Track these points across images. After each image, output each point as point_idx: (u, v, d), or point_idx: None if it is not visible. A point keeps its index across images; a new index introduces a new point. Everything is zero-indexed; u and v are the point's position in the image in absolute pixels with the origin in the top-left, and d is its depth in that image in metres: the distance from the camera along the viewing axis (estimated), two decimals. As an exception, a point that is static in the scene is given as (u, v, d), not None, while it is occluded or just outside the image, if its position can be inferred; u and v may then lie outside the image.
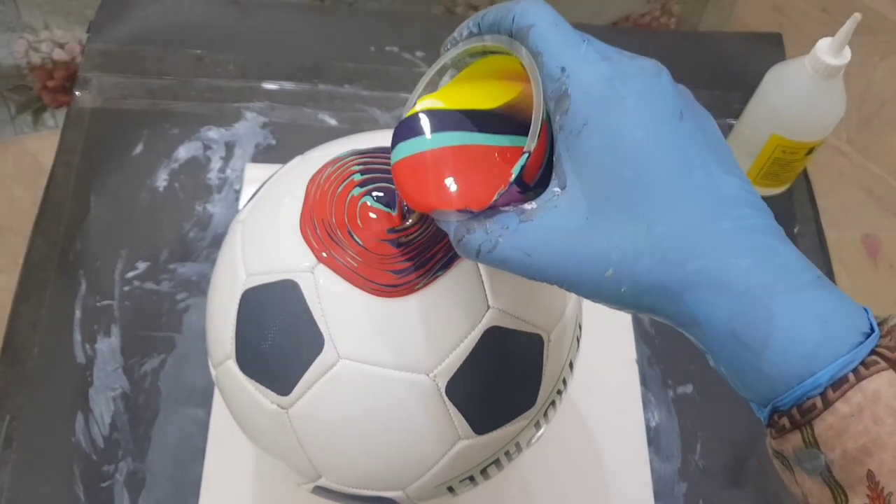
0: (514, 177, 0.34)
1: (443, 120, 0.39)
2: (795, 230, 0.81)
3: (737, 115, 0.82)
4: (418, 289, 0.43)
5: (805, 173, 0.84)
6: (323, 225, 0.46)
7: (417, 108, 0.39)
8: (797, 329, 0.31)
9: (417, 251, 0.44)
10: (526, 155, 0.34)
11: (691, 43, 0.97)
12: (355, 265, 0.44)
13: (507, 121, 0.38)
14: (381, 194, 0.47)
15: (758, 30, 0.98)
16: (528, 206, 0.34)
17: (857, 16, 0.66)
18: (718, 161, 0.33)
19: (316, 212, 0.46)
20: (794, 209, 0.83)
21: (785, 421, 0.32)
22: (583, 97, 0.33)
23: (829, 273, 0.80)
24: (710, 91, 0.89)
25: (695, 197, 0.32)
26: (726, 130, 0.83)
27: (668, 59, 1.03)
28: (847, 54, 0.70)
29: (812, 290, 0.32)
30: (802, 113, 0.73)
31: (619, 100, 0.33)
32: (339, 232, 0.45)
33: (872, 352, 0.31)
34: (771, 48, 0.92)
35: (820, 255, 0.80)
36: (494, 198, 0.35)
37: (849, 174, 1.61)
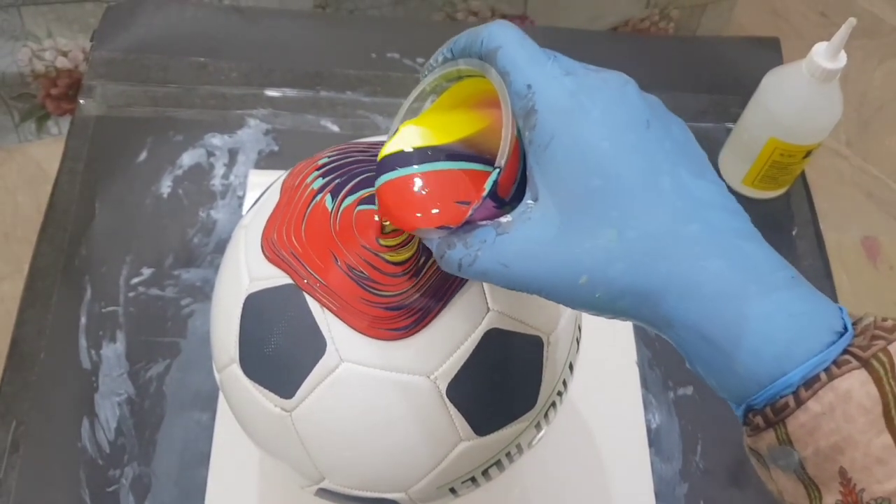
0: (486, 191, 0.36)
1: (423, 155, 0.40)
2: (794, 232, 0.82)
3: (735, 119, 0.82)
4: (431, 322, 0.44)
5: (803, 176, 0.85)
6: (269, 244, 0.47)
7: (399, 135, 0.41)
8: (769, 330, 0.31)
9: (432, 292, 0.45)
10: (497, 170, 0.35)
11: (690, 48, 0.98)
12: (334, 308, 0.44)
13: (485, 152, 0.39)
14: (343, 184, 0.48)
15: (756, 34, 0.98)
16: (503, 219, 0.36)
17: (852, 20, 0.67)
18: (688, 166, 0.34)
19: (267, 230, 0.48)
20: (793, 212, 0.83)
21: (759, 419, 0.32)
22: (549, 112, 0.34)
23: (829, 275, 0.80)
24: (709, 95, 0.90)
25: (663, 202, 0.33)
26: (724, 134, 0.84)
27: (667, 63, 1.03)
28: (843, 58, 0.70)
29: (784, 290, 0.32)
30: (800, 116, 0.74)
31: (584, 112, 0.34)
32: (283, 253, 0.46)
33: (845, 351, 0.31)
34: (769, 52, 0.93)
35: (818, 257, 0.81)
36: (469, 212, 0.36)
37: (848, 177, 1.62)
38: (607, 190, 0.33)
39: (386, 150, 0.41)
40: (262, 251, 0.47)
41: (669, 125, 0.35)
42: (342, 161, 0.50)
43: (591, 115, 0.34)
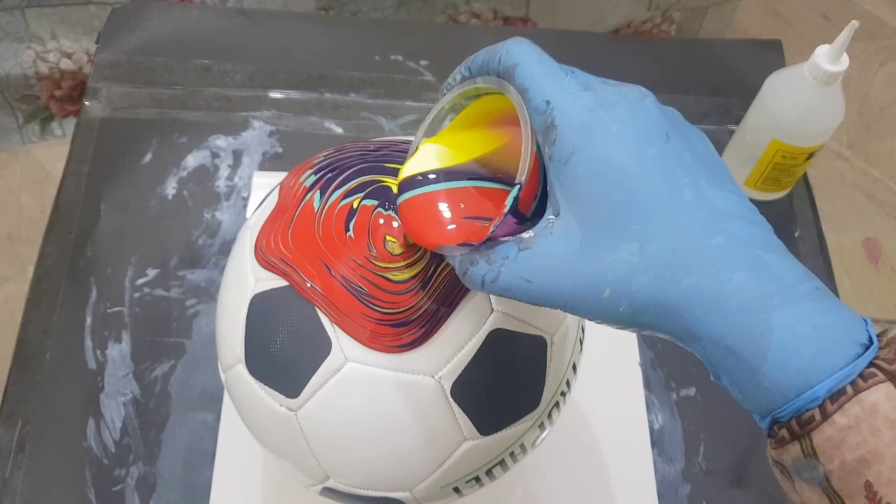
0: (507, 208, 0.36)
1: (444, 175, 0.41)
2: (796, 234, 0.82)
3: (737, 121, 0.83)
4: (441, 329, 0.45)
5: (805, 178, 0.85)
6: (259, 252, 0.48)
7: (419, 153, 0.41)
8: (794, 342, 0.31)
9: (440, 302, 0.45)
10: (517, 186, 0.36)
11: (692, 50, 0.98)
12: (336, 320, 0.44)
13: (503, 172, 0.40)
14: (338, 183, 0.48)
15: (758, 36, 0.99)
16: (526, 234, 0.36)
17: (854, 23, 0.67)
18: (709, 178, 0.34)
19: (258, 238, 0.48)
20: (795, 213, 0.84)
21: (784, 432, 0.32)
22: (568, 127, 0.34)
23: (831, 277, 0.81)
24: (711, 97, 0.90)
25: (685, 214, 0.33)
26: (727, 136, 0.84)
27: (669, 66, 1.03)
28: (845, 61, 0.70)
29: (809, 302, 0.32)
30: (802, 119, 0.74)
31: (603, 127, 0.34)
32: (273, 259, 0.47)
33: (871, 364, 0.31)
34: (771, 55, 0.93)
35: (820, 258, 0.81)
36: (491, 229, 0.36)
37: (850, 178, 1.62)
38: (628, 204, 0.33)
39: (406, 171, 0.41)
40: (255, 259, 0.48)
41: (689, 137, 0.35)
42: (337, 157, 0.50)
43: (610, 130, 0.34)
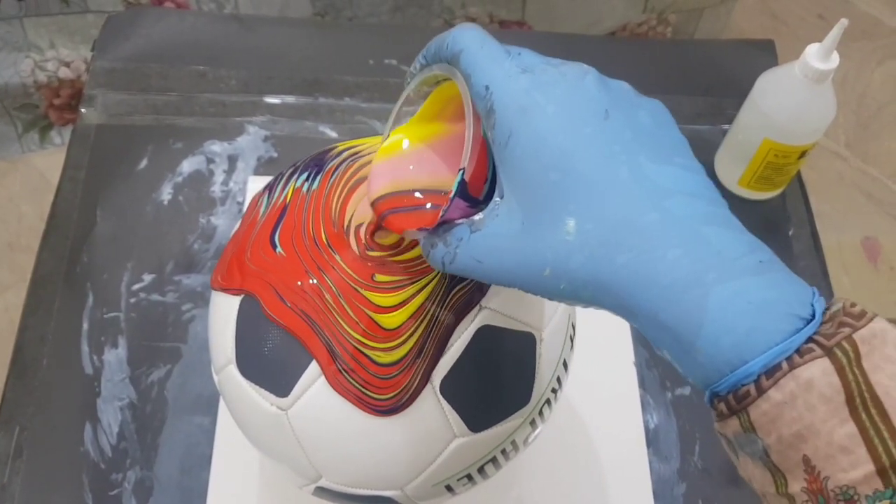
0: (453, 192, 0.37)
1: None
2: (790, 233, 0.82)
3: (730, 121, 0.83)
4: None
5: (799, 177, 0.85)
6: (226, 268, 0.49)
7: (390, 142, 0.43)
8: (727, 318, 0.31)
9: (430, 365, 0.45)
10: (461, 171, 0.37)
11: (685, 51, 0.98)
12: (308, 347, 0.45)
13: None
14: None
15: (754, 37, 0.99)
16: (476, 217, 0.37)
17: (843, 21, 0.67)
18: (652, 153, 0.34)
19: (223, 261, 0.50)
20: (789, 212, 0.84)
21: (723, 406, 0.32)
22: (505, 110, 0.35)
23: (825, 275, 0.81)
24: (704, 98, 0.90)
25: (620, 192, 0.33)
26: (720, 136, 0.84)
27: (663, 66, 1.03)
28: (836, 59, 0.71)
29: (748, 276, 0.32)
30: (793, 117, 0.74)
31: (538, 108, 0.34)
32: (218, 290, 0.48)
33: (810, 339, 0.31)
34: (763, 55, 0.94)
35: (815, 257, 0.81)
36: (440, 214, 0.38)
37: (848, 178, 1.62)
38: (564, 183, 0.33)
39: (376, 161, 0.43)
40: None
41: (635, 112, 0.35)
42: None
43: (545, 111, 0.34)
